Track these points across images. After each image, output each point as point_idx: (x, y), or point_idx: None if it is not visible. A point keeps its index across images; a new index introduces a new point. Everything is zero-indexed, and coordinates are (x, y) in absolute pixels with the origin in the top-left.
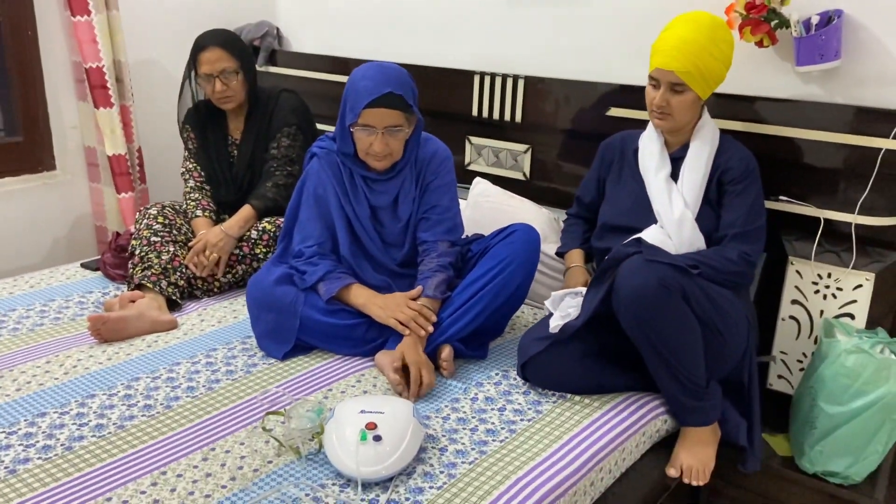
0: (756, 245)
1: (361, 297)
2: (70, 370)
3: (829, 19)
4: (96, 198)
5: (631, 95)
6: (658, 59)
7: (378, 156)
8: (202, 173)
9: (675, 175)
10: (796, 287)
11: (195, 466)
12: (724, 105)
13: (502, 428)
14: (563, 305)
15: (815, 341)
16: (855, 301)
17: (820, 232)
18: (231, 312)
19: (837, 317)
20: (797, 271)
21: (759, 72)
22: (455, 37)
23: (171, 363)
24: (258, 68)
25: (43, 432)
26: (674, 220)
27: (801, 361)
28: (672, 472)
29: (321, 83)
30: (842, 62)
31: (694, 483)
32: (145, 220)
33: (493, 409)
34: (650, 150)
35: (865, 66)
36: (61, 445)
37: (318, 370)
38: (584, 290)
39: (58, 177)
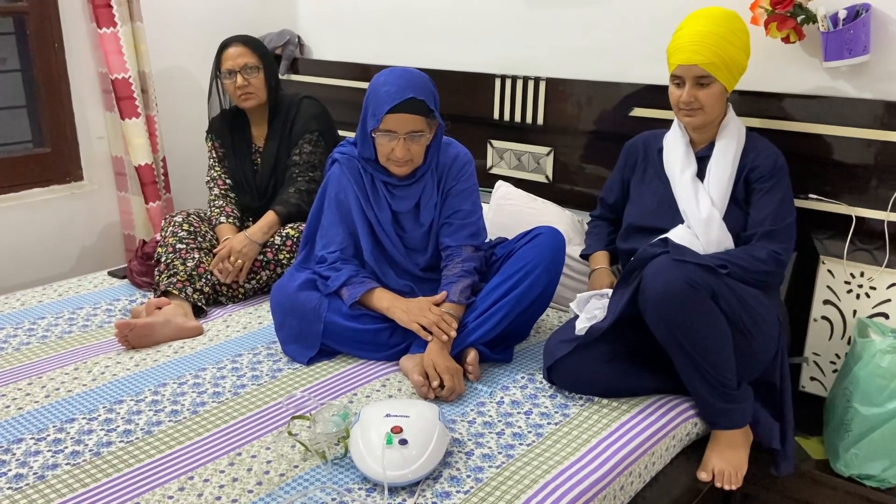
0: (786, 244)
1: (385, 301)
2: (98, 376)
3: (856, 13)
4: (124, 207)
5: (654, 95)
6: (679, 56)
7: (399, 161)
8: (227, 181)
9: (701, 174)
10: (828, 287)
11: (222, 471)
12: (752, 102)
13: (529, 431)
14: (588, 307)
15: (849, 342)
16: (889, 300)
17: (852, 230)
18: (256, 318)
19: (871, 316)
20: (829, 271)
21: (786, 68)
22: (475, 40)
23: (198, 369)
24: (280, 76)
25: (72, 438)
26: (701, 220)
27: (834, 363)
28: (703, 475)
29: (343, 90)
30: (870, 57)
31: (726, 487)
32: (171, 228)
33: (519, 413)
34: (675, 150)
35: (895, 60)
36: (89, 451)
37: (343, 375)
38: (609, 291)
39: (85, 187)
